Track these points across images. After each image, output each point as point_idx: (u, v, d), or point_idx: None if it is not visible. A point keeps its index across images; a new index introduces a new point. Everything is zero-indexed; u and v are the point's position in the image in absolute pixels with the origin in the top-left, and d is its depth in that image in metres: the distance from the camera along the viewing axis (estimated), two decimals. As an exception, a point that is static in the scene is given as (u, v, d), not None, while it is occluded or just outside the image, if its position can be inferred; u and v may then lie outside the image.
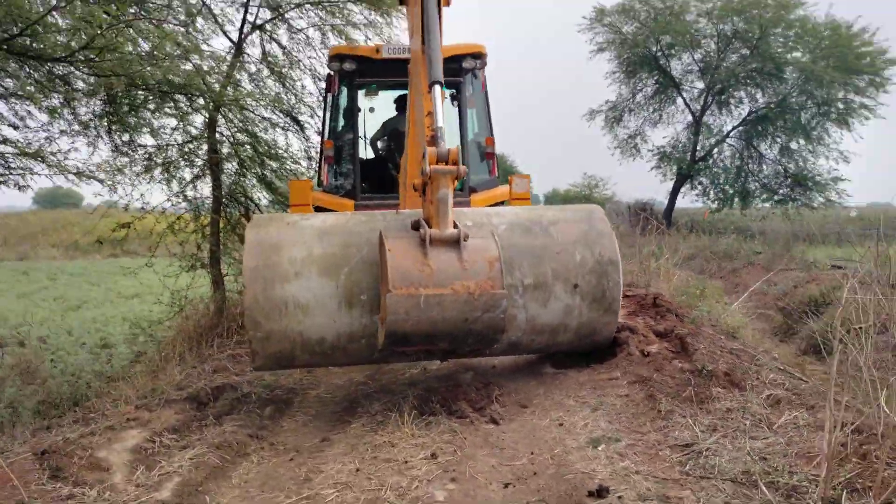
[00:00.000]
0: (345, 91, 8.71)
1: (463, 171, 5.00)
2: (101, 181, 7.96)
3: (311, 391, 6.65)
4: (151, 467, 4.61)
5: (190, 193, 8.58)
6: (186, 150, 8.57)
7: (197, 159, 8.56)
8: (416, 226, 5.24)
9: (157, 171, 8.45)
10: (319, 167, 8.54)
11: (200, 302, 8.63)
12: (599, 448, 4.48)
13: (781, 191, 32.83)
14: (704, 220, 33.30)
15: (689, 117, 34.89)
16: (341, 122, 8.85)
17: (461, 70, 8.25)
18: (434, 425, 5.05)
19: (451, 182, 4.99)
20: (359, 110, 8.68)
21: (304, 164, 9.46)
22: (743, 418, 4.55)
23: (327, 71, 9.26)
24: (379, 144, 9.11)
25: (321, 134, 8.98)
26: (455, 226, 4.96)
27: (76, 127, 8.01)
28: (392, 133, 8.87)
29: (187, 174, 8.66)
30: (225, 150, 8.70)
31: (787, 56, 30.63)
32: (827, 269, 13.71)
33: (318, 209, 7.57)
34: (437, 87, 5.42)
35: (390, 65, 7.99)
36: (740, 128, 33.66)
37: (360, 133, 8.73)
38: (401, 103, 8.85)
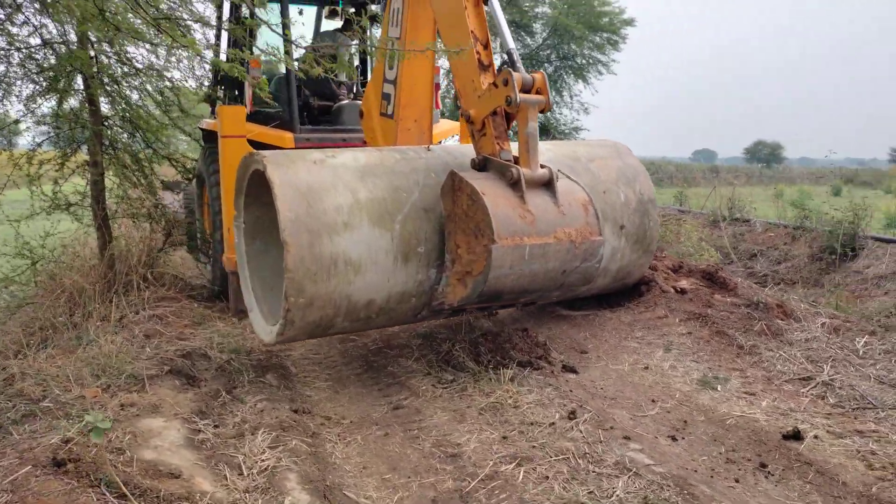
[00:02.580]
0: None
1: (552, 104, 4.44)
2: None
3: (289, 352, 5.61)
4: (233, 464, 3.51)
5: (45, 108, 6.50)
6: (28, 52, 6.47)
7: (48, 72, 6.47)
8: (477, 165, 4.58)
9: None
10: (236, 90, 7.00)
11: (73, 252, 6.74)
12: (718, 389, 4.37)
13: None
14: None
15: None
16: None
17: None
18: (522, 378, 4.52)
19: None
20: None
21: (192, 84, 7.69)
22: (828, 347, 4.74)
23: None
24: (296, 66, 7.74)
25: (240, 48, 7.33)
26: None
27: None
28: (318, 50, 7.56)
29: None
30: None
31: (536, 10, 32.58)
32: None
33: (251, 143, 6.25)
34: (495, 1, 4.74)
35: None
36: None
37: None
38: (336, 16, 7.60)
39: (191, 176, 7.60)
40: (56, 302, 6.14)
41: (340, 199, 4.31)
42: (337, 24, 7.89)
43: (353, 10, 7.46)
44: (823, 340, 4.82)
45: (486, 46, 4.66)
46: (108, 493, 3.10)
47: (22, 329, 6.10)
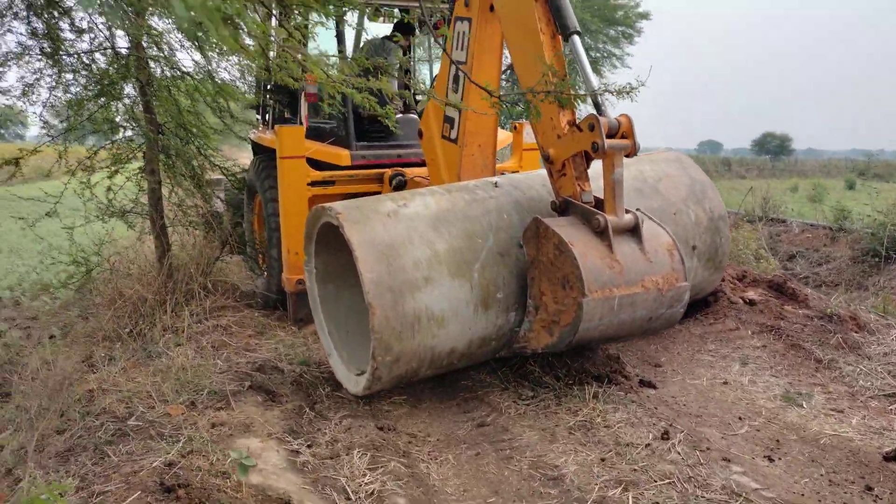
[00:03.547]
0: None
1: (638, 147, 4.37)
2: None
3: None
4: (338, 488, 3.52)
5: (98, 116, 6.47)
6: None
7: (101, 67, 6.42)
8: (558, 207, 4.50)
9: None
10: (291, 106, 6.95)
11: (130, 260, 6.73)
12: (803, 405, 4.36)
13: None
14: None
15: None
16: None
17: None
18: (604, 395, 4.51)
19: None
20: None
21: (243, 87, 7.64)
22: (909, 362, 4.73)
23: None
24: None
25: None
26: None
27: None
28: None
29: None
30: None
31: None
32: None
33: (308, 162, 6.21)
34: (577, 38, 4.62)
35: None
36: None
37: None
38: (397, 29, 7.46)
39: (240, 186, 7.60)
40: (118, 312, 6.15)
41: (418, 253, 4.30)
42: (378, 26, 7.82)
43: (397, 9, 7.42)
44: (900, 354, 4.81)
45: (564, 81, 4.53)
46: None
47: (85, 339, 6.12)
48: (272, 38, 5.12)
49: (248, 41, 3.90)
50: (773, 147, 64.78)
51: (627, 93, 3.92)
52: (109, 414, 4.32)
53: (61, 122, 6.67)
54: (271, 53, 5.76)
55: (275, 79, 5.08)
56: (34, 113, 6.44)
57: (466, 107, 4.67)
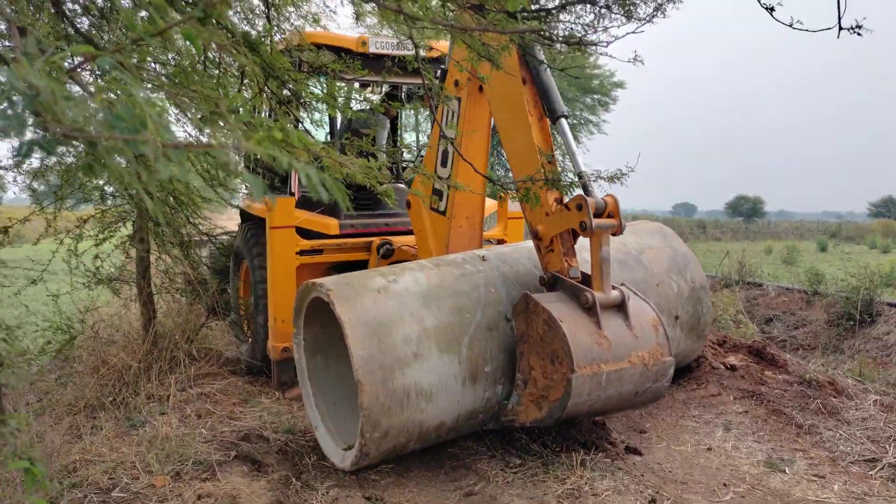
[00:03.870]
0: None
1: (624, 226, 4.53)
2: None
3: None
4: (327, 562, 3.50)
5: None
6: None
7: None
8: (547, 283, 4.61)
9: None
10: (282, 175, 7.08)
11: (114, 328, 6.71)
12: (787, 471, 4.43)
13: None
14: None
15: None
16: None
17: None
18: (591, 463, 4.54)
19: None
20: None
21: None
22: (886, 426, 4.83)
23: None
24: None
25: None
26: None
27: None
28: (354, 134, 7.66)
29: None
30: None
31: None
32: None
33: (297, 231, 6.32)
34: (564, 122, 4.83)
35: (375, 61, 6.89)
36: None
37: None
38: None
39: (226, 252, 7.66)
40: (102, 380, 6.11)
41: (408, 330, 4.37)
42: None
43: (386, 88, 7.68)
44: (880, 419, 4.91)
45: (552, 162, 4.69)
46: None
47: (66, 408, 6.05)
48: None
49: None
50: (745, 209, 66.17)
51: (618, 178, 4.11)
52: (94, 485, 4.27)
53: (50, 189, 6.74)
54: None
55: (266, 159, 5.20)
56: (14, 181, 6.50)
57: (459, 185, 4.82)
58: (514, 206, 7.19)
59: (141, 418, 5.40)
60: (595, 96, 32.66)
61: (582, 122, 33.93)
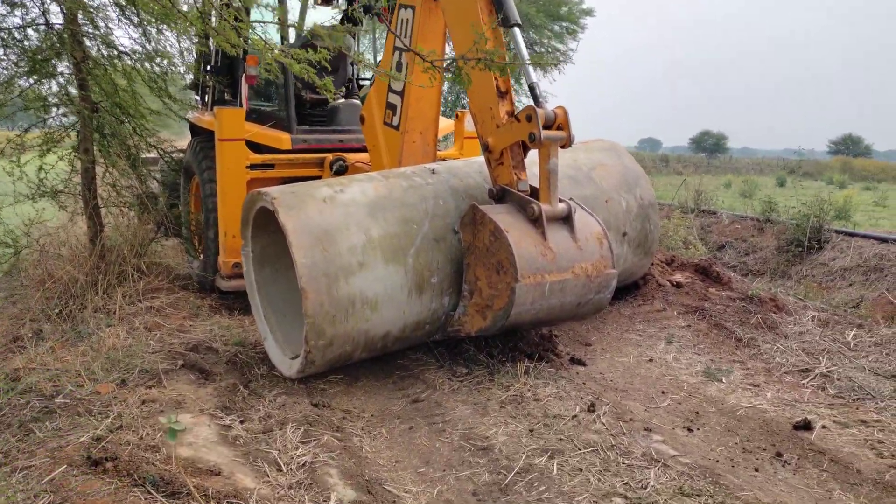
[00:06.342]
0: None
1: (573, 138, 4.51)
2: None
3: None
4: (270, 460, 3.55)
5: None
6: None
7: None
8: (496, 195, 4.60)
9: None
10: (232, 88, 6.86)
11: (61, 242, 6.54)
12: (722, 380, 4.57)
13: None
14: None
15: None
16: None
17: None
18: (535, 371, 4.64)
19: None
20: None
21: (182, 69, 7.48)
22: (822, 339, 4.99)
23: None
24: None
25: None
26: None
27: None
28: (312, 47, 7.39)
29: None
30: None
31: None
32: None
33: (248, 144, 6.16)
34: (517, 30, 4.72)
35: None
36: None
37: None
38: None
39: (176, 167, 7.47)
40: (48, 293, 6.01)
41: (354, 239, 4.35)
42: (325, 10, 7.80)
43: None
44: (816, 333, 5.08)
45: (504, 72, 4.63)
46: (155, 492, 3.11)
47: (11, 321, 5.96)
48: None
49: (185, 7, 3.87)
50: (709, 145, 66.61)
51: (556, 65, 4.06)
52: (36, 392, 4.24)
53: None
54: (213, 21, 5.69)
55: (216, 42, 5.01)
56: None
57: (410, 80, 4.74)
58: (470, 126, 7.11)
59: (88, 330, 5.34)
60: (563, 24, 32.18)
61: (549, 50, 33.49)
